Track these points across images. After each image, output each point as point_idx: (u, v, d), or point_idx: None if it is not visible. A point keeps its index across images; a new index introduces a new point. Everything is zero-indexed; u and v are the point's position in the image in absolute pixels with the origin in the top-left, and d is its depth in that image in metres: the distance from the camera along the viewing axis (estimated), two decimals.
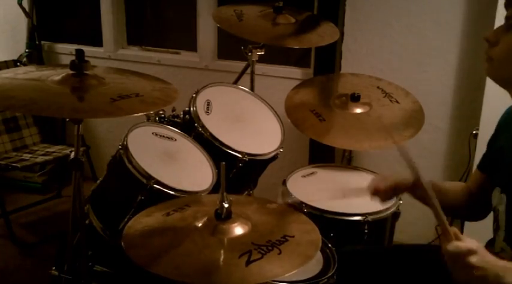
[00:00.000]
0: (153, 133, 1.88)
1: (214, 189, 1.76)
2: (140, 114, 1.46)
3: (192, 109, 1.97)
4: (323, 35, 2.33)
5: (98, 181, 1.93)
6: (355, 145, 2.19)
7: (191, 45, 3.18)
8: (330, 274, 1.49)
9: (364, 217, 1.79)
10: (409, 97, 2.24)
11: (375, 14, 2.61)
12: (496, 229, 1.38)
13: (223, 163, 1.26)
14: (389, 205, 1.86)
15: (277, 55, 2.93)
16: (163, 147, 1.86)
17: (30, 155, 2.99)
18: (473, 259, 1.07)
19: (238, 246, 1.18)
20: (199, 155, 1.90)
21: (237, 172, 1.89)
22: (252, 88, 2.36)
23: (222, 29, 2.38)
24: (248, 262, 1.12)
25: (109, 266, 1.82)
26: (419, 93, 2.28)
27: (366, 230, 1.78)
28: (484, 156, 1.51)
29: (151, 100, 1.53)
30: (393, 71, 2.61)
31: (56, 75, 1.53)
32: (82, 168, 1.58)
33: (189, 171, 1.83)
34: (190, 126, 1.95)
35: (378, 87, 2.27)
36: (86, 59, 1.54)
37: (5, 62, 3.16)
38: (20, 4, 3.23)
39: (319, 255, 1.56)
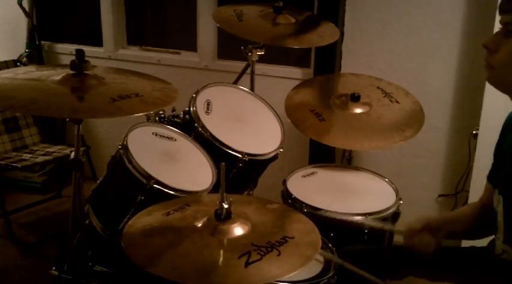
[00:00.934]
0: (153, 133, 1.88)
1: (214, 189, 1.76)
2: (140, 114, 1.46)
3: (192, 109, 1.97)
4: (323, 35, 2.33)
5: (98, 181, 1.92)
6: (355, 145, 2.19)
7: (191, 45, 3.18)
8: (330, 274, 1.49)
9: (364, 217, 1.79)
10: (409, 97, 2.24)
11: (375, 14, 2.61)
12: (495, 231, 1.38)
13: (223, 163, 1.26)
14: (389, 205, 1.86)
15: (277, 55, 2.93)
16: (163, 147, 1.86)
17: (30, 155, 2.99)
18: None
19: (237, 247, 1.17)
20: (199, 155, 1.90)
21: (237, 172, 1.89)
22: (252, 88, 2.36)
23: (222, 29, 2.38)
24: (247, 263, 1.11)
25: (109, 266, 1.82)
26: (419, 93, 2.28)
27: (365, 230, 1.78)
28: (492, 165, 1.51)
29: (152, 100, 1.53)
30: (393, 71, 2.61)
31: (56, 75, 1.52)
32: (82, 168, 1.58)
33: (189, 171, 1.83)
34: (190, 126, 1.95)
35: (378, 87, 2.27)
36: (86, 59, 1.54)
37: (5, 61, 3.16)
38: (20, 4, 3.23)
39: (319, 255, 1.56)
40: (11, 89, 1.45)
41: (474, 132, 2.37)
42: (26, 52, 3.35)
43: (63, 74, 1.52)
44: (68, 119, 1.67)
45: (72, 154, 1.57)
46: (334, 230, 1.74)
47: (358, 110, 2.15)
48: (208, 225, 1.23)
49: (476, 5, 2.45)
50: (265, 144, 2.02)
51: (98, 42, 3.33)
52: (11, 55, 3.32)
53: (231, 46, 2.88)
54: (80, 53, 1.52)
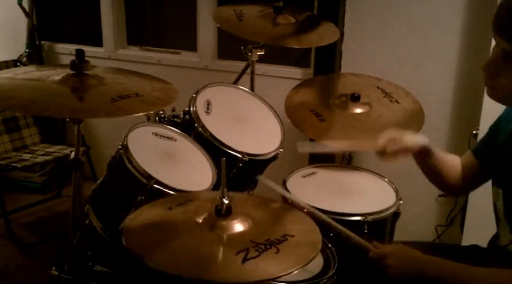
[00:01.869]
0: (153, 133, 1.89)
1: (215, 188, 1.76)
2: (140, 114, 1.46)
3: (192, 109, 1.97)
4: (323, 35, 2.33)
5: (98, 181, 1.93)
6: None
7: (191, 45, 3.18)
8: (330, 274, 1.49)
9: (364, 217, 1.78)
10: (409, 97, 2.24)
11: (375, 14, 2.61)
12: (498, 223, 1.39)
13: (224, 158, 1.26)
14: (389, 205, 1.86)
15: (277, 55, 2.93)
16: (163, 147, 1.86)
17: (30, 155, 3.00)
18: (388, 261, 1.34)
19: (236, 243, 1.18)
20: (199, 155, 1.90)
21: (237, 172, 1.89)
22: (252, 88, 2.36)
23: (222, 29, 2.38)
24: (244, 260, 1.12)
25: (109, 266, 1.82)
26: (419, 93, 2.28)
27: (365, 230, 1.78)
28: (482, 143, 1.53)
29: (152, 100, 1.53)
30: (393, 71, 2.61)
31: (56, 75, 1.53)
32: (82, 168, 1.58)
33: (189, 171, 1.83)
34: (190, 126, 1.95)
35: (378, 87, 2.27)
36: (86, 59, 1.54)
37: (5, 62, 3.16)
38: (20, 4, 3.23)
39: (319, 255, 1.56)
40: (11, 89, 1.46)
41: (474, 132, 2.37)
42: (26, 52, 3.35)
43: (63, 74, 1.52)
44: (68, 119, 1.67)
45: (72, 154, 1.57)
46: (334, 230, 1.73)
47: (358, 110, 2.15)
48: (209, 220, 1.24)
49: (476, 5, 2.45)
50: (265, 144, 2.02)
51: (98, 42, 3.33)
52: (11, 55, 3.33)
53: (231, 46, 2.88)
54: (80, 53, 1.52)
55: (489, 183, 1.49)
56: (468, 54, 2.52)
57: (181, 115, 2.02)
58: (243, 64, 2.48)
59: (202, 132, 1.92)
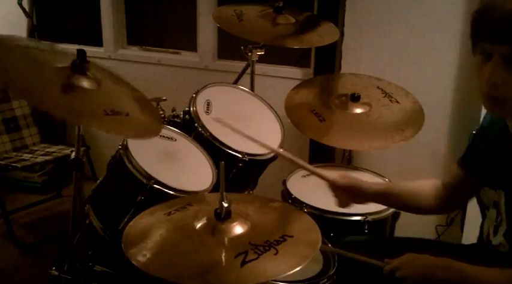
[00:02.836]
0: None
1: (214, 188, 1.76)
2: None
3: (192, 109, 1.97)
4: (323, 35, 2.33)
5: (98, 181, 1.93)
6: (355, 145, 2.19)
7: (191, 45, 3.18)
8: (330, 274, 1.49)
9: (364, 217, 1.79)
10: (409, 97, 2.24)
11: (375, 14, 2.61)
12: (499, 223, 1.39)
13: (223, 162, 1.26)
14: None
15: (277, 55, 2.92)
16: (163, 147, 1.86)
17: (30, 155, 2.99)
18: (401, 272, 1.32)
19: (235, 246, 1.17)
20: (199, 155, 1.90)
21: (237, 172, 1.89)
22: (252, 88, 2.36)
23: (222, 29, 2.38)
24: (243, 263, 1.10)
25: (109, 266, 1.83)
26: (419, 93, 2.28)
27: (366, 231, 1.78)
28: (468, 154, 1.53)
29: (138, 125, 1.54)
30: (393, 71, 2.61)
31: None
32: (82, 168, 1.58)
33: (189, 171, 1.83)
34: (190, 126, 1.96)
35: (378, 87, 2.27)
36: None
37: None
38: (20, 4, 3.23)
39: (319, 255, 1.56)
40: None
41: (474, 132, 2.37)
42: None
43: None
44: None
45: (73, 154, 1.57)
46: (334, 230, 1.74)
47: (358, 110, 2.16)
48: (208, 224, 1.23)
49: (476, 5, 2.44)
50: None
51: (98, 42, 3.33)
52: None
53: (231, 46, 2.88)
54: (81, 53, 1.52)
55: None
56: (468, 54, 2.50)
57: (181, 115, 2.02)
58: (243, 64, 2.48)
59: (202, 132, 1.92)
